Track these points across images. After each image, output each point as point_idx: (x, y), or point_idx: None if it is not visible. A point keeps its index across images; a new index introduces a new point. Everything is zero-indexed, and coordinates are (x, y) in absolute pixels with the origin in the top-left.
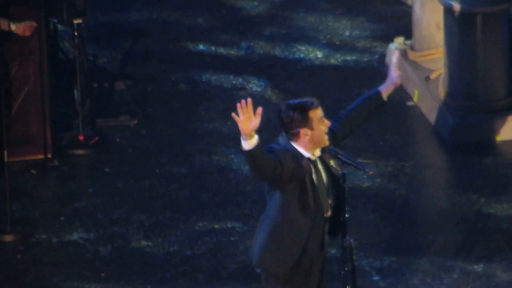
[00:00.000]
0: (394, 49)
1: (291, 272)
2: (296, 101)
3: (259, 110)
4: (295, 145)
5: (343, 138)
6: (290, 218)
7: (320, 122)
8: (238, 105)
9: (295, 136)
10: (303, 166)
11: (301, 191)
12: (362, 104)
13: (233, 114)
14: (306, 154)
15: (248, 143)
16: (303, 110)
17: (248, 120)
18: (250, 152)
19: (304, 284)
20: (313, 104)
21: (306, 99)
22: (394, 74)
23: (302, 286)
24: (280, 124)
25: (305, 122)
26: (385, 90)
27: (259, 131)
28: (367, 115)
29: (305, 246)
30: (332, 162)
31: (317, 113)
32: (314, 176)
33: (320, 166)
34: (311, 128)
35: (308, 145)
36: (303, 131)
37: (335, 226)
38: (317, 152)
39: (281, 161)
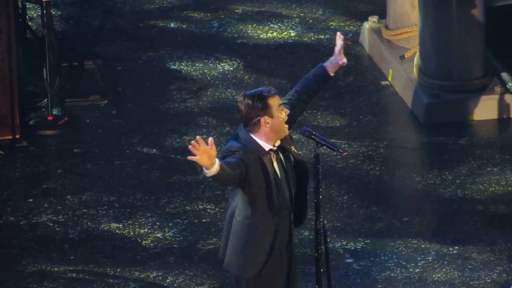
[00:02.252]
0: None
1: (260, 271)
2: (253, 90)
3: (211, 140)
4: (255, 137)
5: (296, 118)
6: (256, 217)
7: (279, 110)
8: (190, 147)
9: (256, 126)
10: (264, 162)
11: (264, 188)
12: (310, 82)
13: (190, 147)
14: (267, 146)
15: (211, 171)
16: (262, 98)
17: (204, 154)
18: (214, 176)
19: (274, 277)
20: (270, 92)
21: (262, 88)
22: (338, 56)
23: (272, 280)
24: (239, 116)
25: (265, 109)
26: (331, 67)
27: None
28: (317, 91)
29: (272, 244)
30: (293, 148)
31: (275, 100)
32: (276, 167)
33: (281, 156)
34: (271, 116)
35: (269, 134)
36: (263, 119)
37: (298, 214)
38: (278, 142)
39: (244, 161)
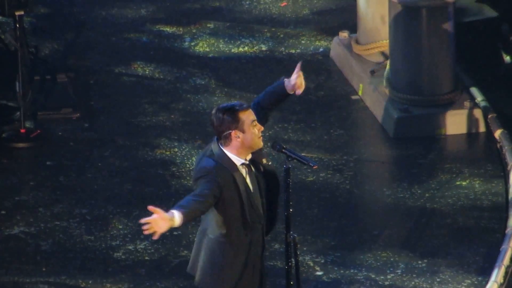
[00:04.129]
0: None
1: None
2: (225, 104)
3: (159, 214)
4: (227, 151)
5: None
6: (230, 235)
7: (251, 125)
8: (151, 208)
9: (227, 139)
10: (236, 181)
11: (238, 207)
12: (271, 96)
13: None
14: (239, 160)
15: (174, 225)
16: (233, 112)
17: (160, 223)
18: (182, 224)
19: None
20: (242, 106)
21: (236, 102)
22: (292, 82)
23: None
24: (212, 129)
25: (236, 123)
26: (288, 87)
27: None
28: (278, 104)
29: (246, 259)
30: (264, 160)
31: (247, 115)
32: (248, 182)
33: (252, 168)
34: (242, 131)
35: (240, 149)
36: (234, 133)
37: (269, 223)
38: (249, 156)
39: (218, 183)
